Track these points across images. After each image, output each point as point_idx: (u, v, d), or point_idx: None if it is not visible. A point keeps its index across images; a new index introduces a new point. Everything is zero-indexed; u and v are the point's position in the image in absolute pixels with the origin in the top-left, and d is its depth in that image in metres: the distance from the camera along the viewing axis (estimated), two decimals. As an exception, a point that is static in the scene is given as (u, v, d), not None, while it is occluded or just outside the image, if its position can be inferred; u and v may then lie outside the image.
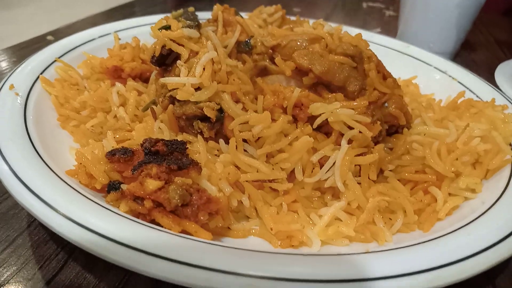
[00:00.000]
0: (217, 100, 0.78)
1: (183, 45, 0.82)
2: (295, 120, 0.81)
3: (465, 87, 1.15)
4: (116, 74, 1.01)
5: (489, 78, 1.34)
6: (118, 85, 0.96)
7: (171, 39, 0.82)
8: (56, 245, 0.70)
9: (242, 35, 0.91)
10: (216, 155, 0.79)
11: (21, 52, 1.47)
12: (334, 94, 0.83)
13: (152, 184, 0.62)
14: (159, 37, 0.83)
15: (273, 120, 0.77)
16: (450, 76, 1.22)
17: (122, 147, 0.73)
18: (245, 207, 0.73)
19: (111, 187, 0.68)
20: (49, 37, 1.60)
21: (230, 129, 0.77)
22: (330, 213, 0.72)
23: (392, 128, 0.91)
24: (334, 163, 0.75)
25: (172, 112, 0.81)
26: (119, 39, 1.11)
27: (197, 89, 0.77)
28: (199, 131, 0.79)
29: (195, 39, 0.84)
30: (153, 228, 0.60)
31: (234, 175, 0.73)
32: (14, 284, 0.63)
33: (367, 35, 1.16)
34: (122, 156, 0.69)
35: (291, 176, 0.78)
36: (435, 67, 1.28)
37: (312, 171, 0.77)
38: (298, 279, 0.52)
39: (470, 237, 0.62)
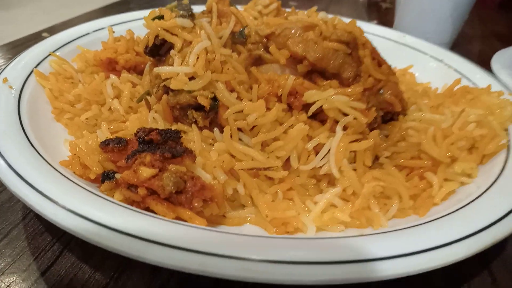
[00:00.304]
0: (211, 89, 0.78)
1: (176, 35, 0.82)
2: (290, 108, 0.80)
3: (462, 74, 1.14)
4: (110, 66, 1.00)
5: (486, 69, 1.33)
6: (113, 77, 0.96)
7: (164, 29, 0.82)
8: (51, 236, 0.70)
9: (237, 25, 0.90)
10: (210, 144, 0.79)
11: (16, 49, 1.46)
12: (328, 81, 0.82)
13: (146, 172, 0.62)
14: (152, 27, 0.83)
15: (268, 108, 0.77)
16: (446, 64, 1.21)
17: (116, 137, 0.72)
18: (240, 195, 0.73)
19: (105, 176, 0.67)
20: (45, 34, 1.59)
21: (225, 118, 0.76)
22: (325, 200, 0.71)
23: (388, 115, 0.90)
24: (329, 150, 0.75)
25: (166, 102, 0.80)
26: (114, 32, 1.11)
27: (191, 78, 0.77)
28: (194, 120, 0.79)
29: (188, 29, 0.83)
30: (148, 215, 0.59)
31: (228, 163, 0.72)
32: (8, 275, 0.63)
33: (363, 25, 1.16)
34: (116, 146, 0.69)
35: (286, 164, 0.77)
36: (431, 56, 1.27)
37: (307, 159, 0.77)
38: (294, 261, 0.52)
39: (465, 219, 0.62)
